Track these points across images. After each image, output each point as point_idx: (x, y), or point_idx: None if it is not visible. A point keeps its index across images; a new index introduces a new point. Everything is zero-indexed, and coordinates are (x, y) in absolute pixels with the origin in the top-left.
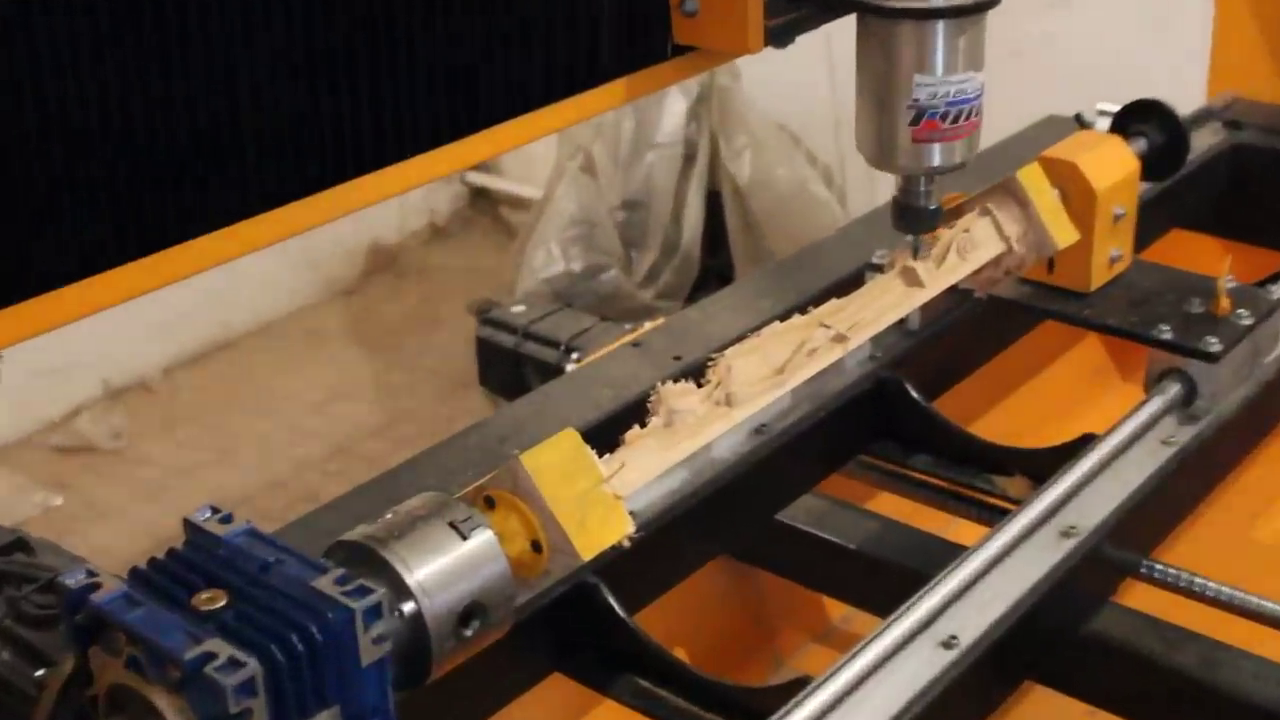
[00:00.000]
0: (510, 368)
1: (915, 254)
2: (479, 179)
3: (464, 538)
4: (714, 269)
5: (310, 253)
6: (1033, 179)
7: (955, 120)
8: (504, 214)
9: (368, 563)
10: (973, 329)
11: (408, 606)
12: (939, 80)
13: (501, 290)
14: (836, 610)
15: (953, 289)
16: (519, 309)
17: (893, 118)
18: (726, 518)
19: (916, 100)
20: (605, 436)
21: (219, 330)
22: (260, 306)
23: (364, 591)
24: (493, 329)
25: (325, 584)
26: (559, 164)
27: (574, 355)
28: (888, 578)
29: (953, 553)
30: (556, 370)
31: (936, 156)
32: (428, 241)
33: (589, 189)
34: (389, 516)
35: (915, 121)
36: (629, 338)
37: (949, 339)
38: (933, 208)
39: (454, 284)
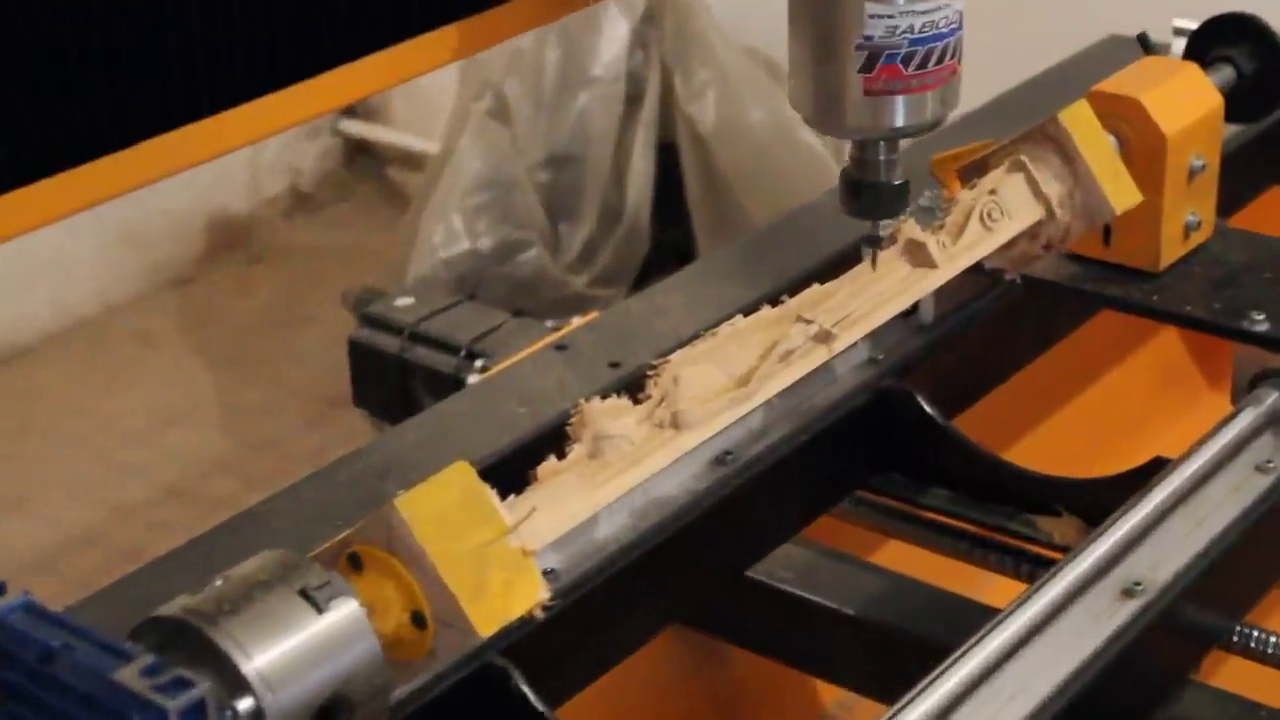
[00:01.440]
0: (394, 380)
1: (927, 223)
2: (356, 128)
3: (319, 610)
4: (668, 245)
5: (132, 229)
6: (1081, 121)
7: (923, 64)
8: (390, 175)
9: (190, 646)
10: (1004, 322)
11: (243, 705)
12: (899, 8)
13: (387, 277)
14: (829, 696)
15: (976, 269)
16: (406, 302)
17: (837, 62)
18: (680, 576)
19: (869, 37)
20: (515, 471)
21: (7, 333)
22: (65, 301)
23: (181, 685)
24: (372, 329)
25: (129, 676)
26: (461, 107)
27: (478, 363)
28: (896, 653)
29: (981, 618)
30: (455, 383)
31: (899, 114)
32: (288, 213)
33: (501, 141)
34: (219, 584)
35: (868, 66)
36: (552, 338)
37: (972, 336)
38: (896, 183)
39: (324, 269)
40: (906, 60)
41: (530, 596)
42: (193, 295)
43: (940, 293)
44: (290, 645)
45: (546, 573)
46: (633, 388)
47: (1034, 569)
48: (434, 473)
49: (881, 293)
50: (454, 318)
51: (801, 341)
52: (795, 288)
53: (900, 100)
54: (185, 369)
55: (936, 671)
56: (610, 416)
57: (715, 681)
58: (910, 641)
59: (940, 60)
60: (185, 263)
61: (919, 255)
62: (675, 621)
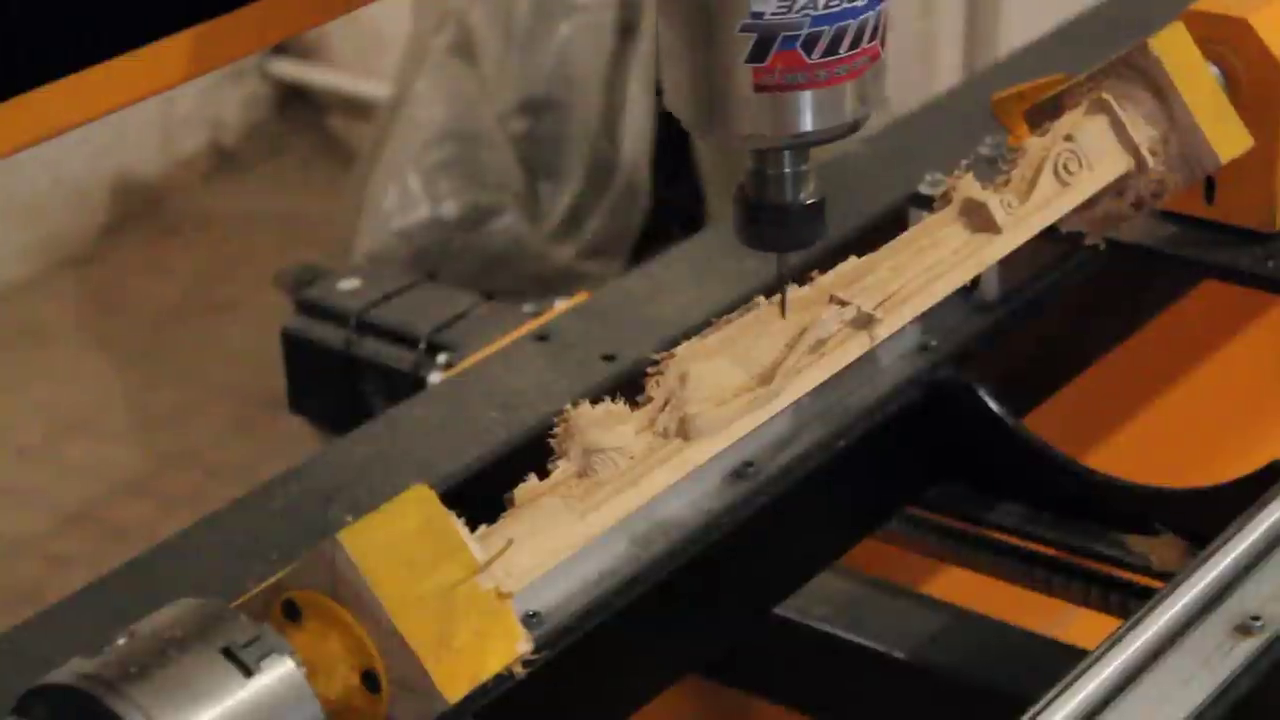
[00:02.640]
0: (339, 380)
1: (989, 178)
2: (288, 69)
3: (248, 672)
4: (672, 208)
5: (16, 199)
6: (1177, 49)
7: (832, 49)
8: (331, 126)
9: (90, 719)
10: (1084, 298)
11: None
12: None
13: (329, 252)
14: None
15: (1050, 233)
16: (353, 284)
17: (719, 49)
18: (693, 616)
19: (758, 15)
20: (488, 494)
21: None
22: None
23: None
24: (312, 317)
25: None
26: (417, 42)
27: (441, 358)
28: (960, 705)
29: (1064, 661)
30: (413, 383)
31: (803, 115)
32: (208, 175)
33: (466, 83)
34: (124, 641)
35: (759, 54)
36: (531, 326)
37: (1046, 316)
38: (808, 203)
39: (252, 244)
40: (809, 45)
41: (508, 650)
42: (93, 277)
43: (1006, 264)
44: (212, 717)
45: (528, 618)
46: (630, 388)
47: (1127, 600)
48: (388, 496)
49: (934, 265)
50: (411, 302)
51: (836, 327)
52: (827, 261)
53: (804, 97)
54: (85, 367)
55: None
56: (603, 425)
57: None
58: (977, 691)
59: (856, 43)
60: (83, 238)
61: (979, 218)
62: (689, 673)
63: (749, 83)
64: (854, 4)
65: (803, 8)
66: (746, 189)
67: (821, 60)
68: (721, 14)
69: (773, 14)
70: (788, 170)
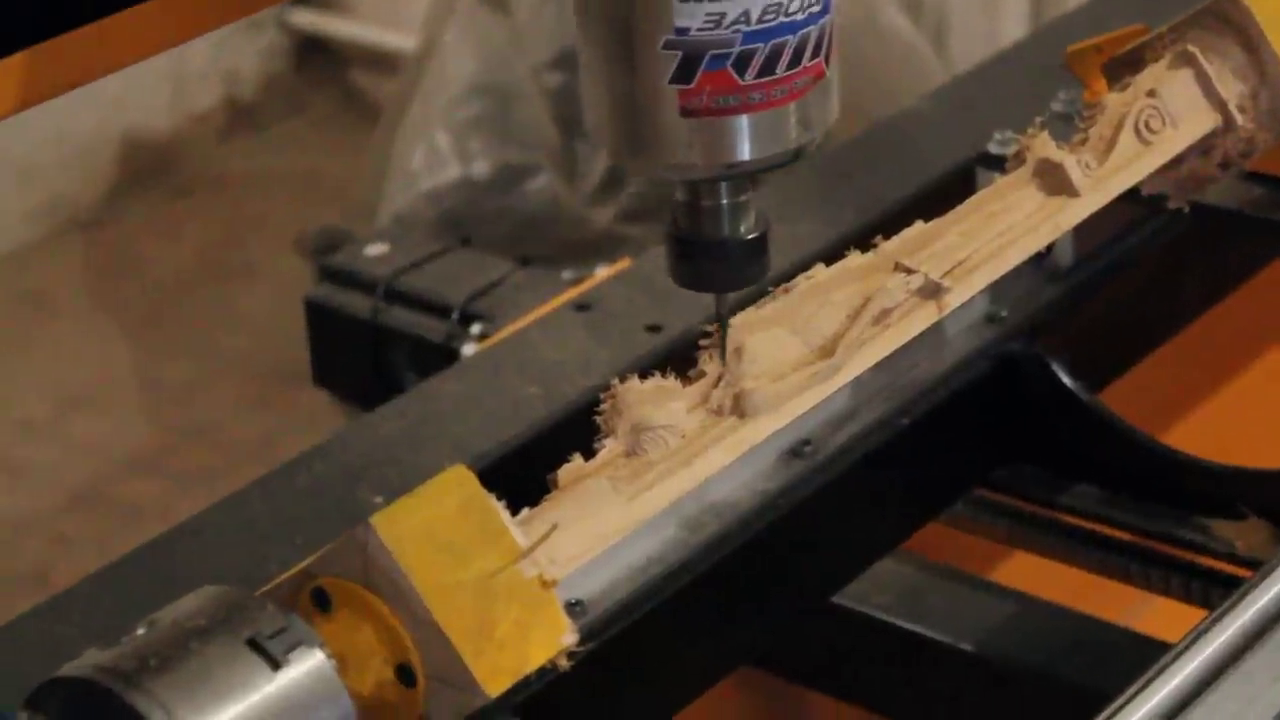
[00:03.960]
0: (366, 352)
1: (1065, 137)
2: (307, 20)
3: (275, 665)
4: None
5: (20, 160)
6: None
7: (768, 68)
8: (354, 81)
9: (106, 715)
10: (1166, 265)
11: None
12: None
13: (353, 215)
14: None
15: (1130, 196)
16: (379, 249)
17: (641, 69)
18: (747, 605)
19: (683, 31)
20: (529, 475)
21: None
22: None
23: None
24: (336, 285)
25: None
26: None
27: (475, 328)
28: (1030, 701)
29: (1144, 654)
30: (445, 355)
31: (737, 143)
32: (224, 133)
33: (498, 35)
34: (142, 632)
35: (684, 75)
36: (571, 294)
37: (1125, 284)
38: (748, 238)
39: (270, 206)
40: (742, 64)
41: (552, 641)
42: (101, 242)
43: (1082, 229)
44: (237, 713)
45: (570, 607)
46: (681, 361)
47: (1209, 589)
48: (420, 477)
49: (1005, 231)
50: (442, 269)
51: (902, 297)
52: (891, 225)
53: (737, 123)
54: (93, 338)
55: None
56: (653, 401)
57: None
58: (1048, 685)
59: (795, 62)
60: (91, 200)
61: (1055, 180)
62: (742, 664)
63: (674, 106)
64: (791, 18)
65: (733, 23)
66: (679, 222)
67: (756, 81)
68: (642, 29)
69: (699, 30)
70: (725, 202)
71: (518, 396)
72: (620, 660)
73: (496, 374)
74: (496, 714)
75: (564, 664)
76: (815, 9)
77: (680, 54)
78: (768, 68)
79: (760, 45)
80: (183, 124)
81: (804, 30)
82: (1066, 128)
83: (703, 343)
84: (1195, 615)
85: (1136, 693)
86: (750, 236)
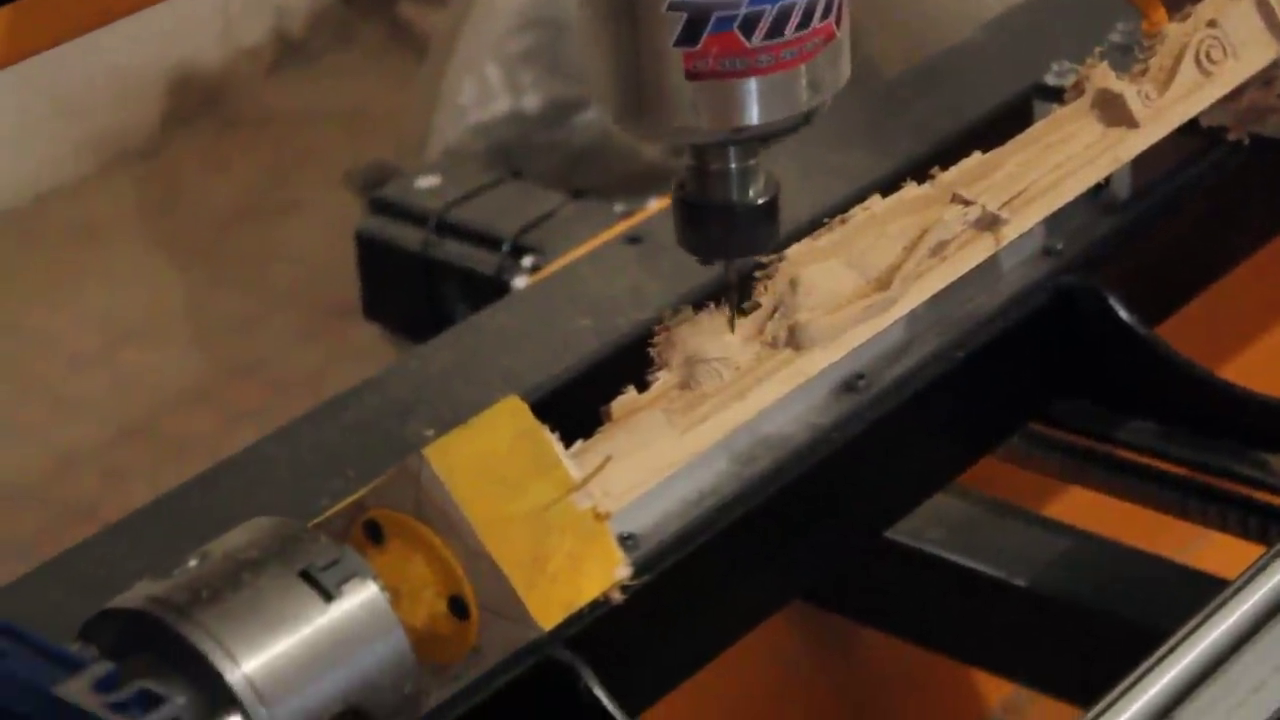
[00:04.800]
0: (417, 285)
1: (1124, 67)
2: None
3: (328, 597)
4: None
5: (68, 93)
6: None
7: (777, 30)
8: (404, 12)
9: (158, 647)
10: (1225, 198)
11: None
12: None
13: (403, 149)
14: (994, 693)
15: (1190, 128)
16: (430, 182)
17: (644, 31)
18: (799, 539)
19: None
20: (582, 407)
21: None
22: None
23: (147, 702)
24: (387, 218)
25: (78, 690)
26: None
27: (526, 261)
28: (1085, 638)
29: (1199, 590)
30: (497, 288)
31: (745, 107)
32: (273, 66)
33: None
34: (194, 564)
35: (690, 37)
36: (623, 226)
37: (1183, 217)
38: (758, 203)
39: (320, 139)
40: (749, 26)
41: (605, 574)
42: (151, 176)
43: (1141, 161)
44: (290, 645)
45: (622, 540)
46: (732, 293)
47: (1267, 525)
48: (472, 410)
49: (1064, 162)
50: (493, 202)
51: (959, 228)
52: (947, 156)
53: (744, 86)
54: (143, 271)
55: (1144, 665)
56: (707, 333)
57: (846, 674)
58: (1103, 621)
59: (805, 23)
60: (140, 134)
61: (1114, 110)
62: (794, 599)
63: (680, 69)
64: None
65: None
66: (686, 186)
67: (764, 44)
68: None
69: None
70: (733, 166)
71: (569, 329)
72: (672, 594)
73: (548, 307)
74: (549, 646)
75: (617, 597)
76: None
77: (685, 15)
78: (776, 29)
79: (768, 6)
80: (232, 57)
81: None
82: (1125, 59)
83: (758, 274)
84: (1253, 551)
85: (1193, 630)
86: (760, 201)
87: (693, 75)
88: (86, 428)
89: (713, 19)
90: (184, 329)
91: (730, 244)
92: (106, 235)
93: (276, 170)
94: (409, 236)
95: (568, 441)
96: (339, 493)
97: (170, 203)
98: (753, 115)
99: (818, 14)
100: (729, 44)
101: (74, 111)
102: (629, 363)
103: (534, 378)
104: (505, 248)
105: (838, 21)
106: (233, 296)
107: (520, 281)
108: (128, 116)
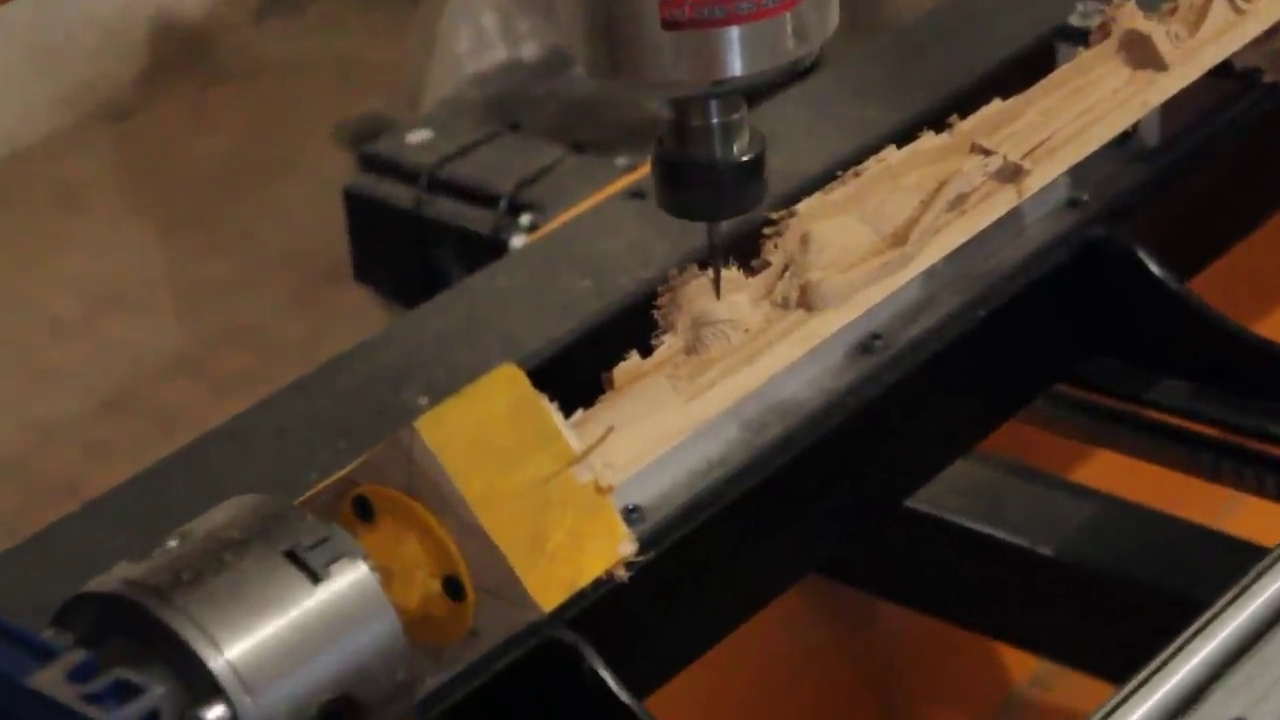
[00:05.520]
0: (409, 245)
1: (1152, 7)
2: None
3: (315, 578)
4: None
5: (45, 44)
6: None
7: None
8: None
9: (136, 633)
10: (1260, 145)
11: (213, 714)
12: None
13: (396, 101)
14: (1021, 668)
15: (1222, 71)
16: (423, 136)
17: None
18: (814, 510)
19: None
20: (582, 374)
21: None
22: None
23: (125, 691)
24: (378, 175)
25: (51, 680)
26: None
27: (525, 218)
28: (1116, 609)
29: (1235, 556)
30: (493, 247)
31: (727, 57)
32: (260, 14)
33: None
34: (174, 544)
35: None
36: (625, 181)
37: (1216, 166)
38: (743, 159)
39: (309, 91)
40: None
41: (608, 550)
42: (132, 132)
43: (1170, 106)
44: (276, 629)
45: (627, 513)
46: (743, 251)
47: None
48: (469, 377)
49: (1089, 109)
50: (489, 157)
51: (980, 180)
52: (966, 104)
53: (724, 35)
54: (124, 234)
55: (1181, 638)
56: (714, 294)
57: (865, 650)
58: (1136, 591)
59: None
60: (121, 88)
61: (1142, 52)
62: (810, 572)
63: (656, 18)
64: None
65: None
66: (665, 144)
67: None
68: None
69: None
70: (715, 121)
71: (570, 290)
72: (681, 569)
73: (547, 267)
74: (550, 627)
75: (622, 574)
76: None
77: None
78: None
79: None
80: (216, 5)
81: None
82: None
83: (767, 230)
84: None
85: (1231, 600)
86: (744, 159)
87: (670, 24)
88: (67, 399)
89: None
90: (168, 294)
91: (714, 204)
92: (85, 197)
93: (265, 126)
94: (400, 195)
95: (568, 410)
96: (329, 466)
97: (153, 161)
98: (735, 66)
99: None
100: None
101: (49, 63)
102: (633, 325)
103: (533, 342)
104: (502, 205)
105: None
106: (220, 260)
107: (518, 240)
108: (107, 68)
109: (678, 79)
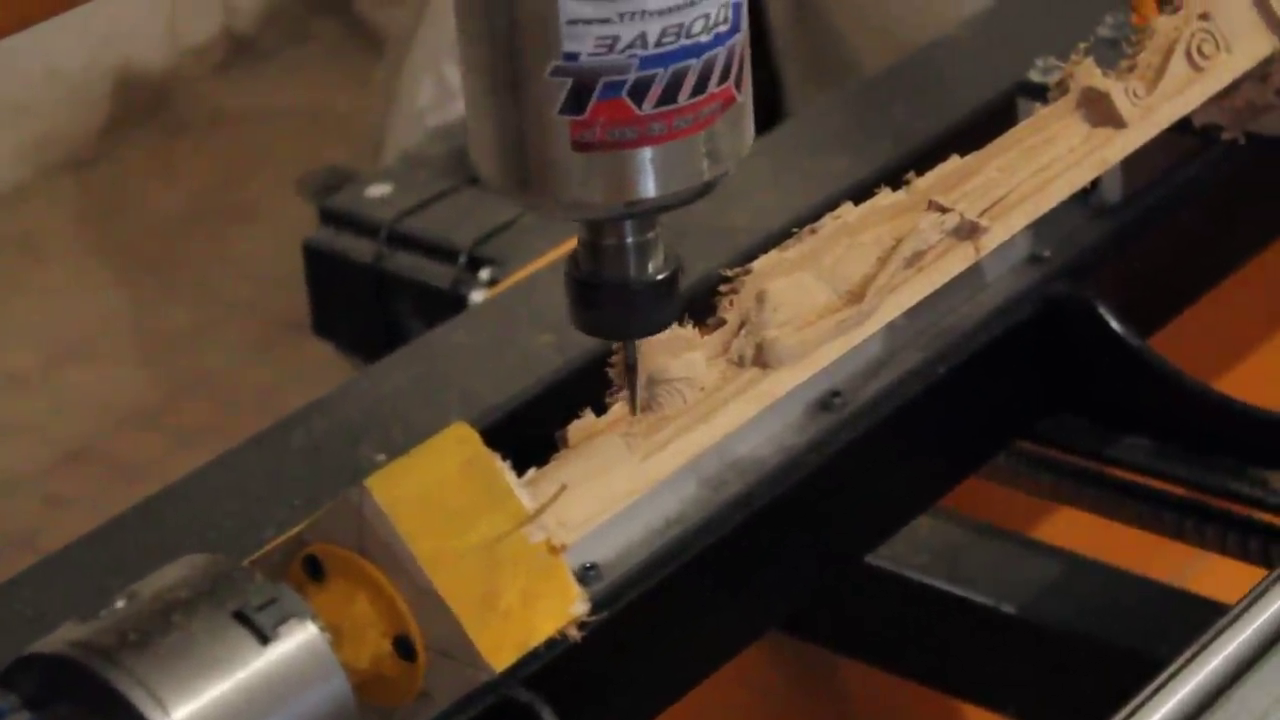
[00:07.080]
0: (369, 299)
1: (1111, 63)
2: None
3: (264, 639)
4: None
5: (9, 92)
6: None
7: (670, 96)
8: (361, 9)
9: (83, 693)
10: (1221, 202)
11: None
12: (618, 5)
13: (358, 153)
14: None
15: (1182, 127)
16: (383, 190)
17: (527, 98)
18: (773, 567)
19: (572, 56)
20: (537, 431)
21: None
22: None
23: None
24: (338, 228)
25: None
26: None
27: (484, 273)
28: (1078, 668)
29: (1197, 615)
30: (453, 302)
31: (639, 179)
32: (221, 66)
33: None
34: (120, 605)
35: (575, 105)
36: None
37: (1177, 223)
38: (658, 278)
39: (270, 144)
40: (639, 92)
41: (561, 610)
42: (94, 182)
43: (1131, 162)
44: (223, 691)
45: (584, 571)
46: (699, 309)
47: (1269, 546)
48: (424, 434)
49: (1048, 165)
50: (449, 210)
51: (936, 237)
52: (925, 160)
53: (636, 157)
54: (85, 284)
55: (1141, 695)
56: (669, 351)
57: (827, 708)
58: (1097, 650)
59: (701, 88)
60: (83, 138)
61: (1100, 110)
62: (769, 629)
63: (566, 139)
64: (695, 40)
65: (628, 47)
66: (579, 263)
67: (656, 111)
68: (527, 54)
69: (590, 54)
70: (629, 241)
71: (530, 346)
72: (639, 627)
73: (507, 322)
74: (506, 686)
75: (574, 635)
76: (723, 29)
77: (570, 81)
78: (669, 96)
79: (660, 70)
80: (179, 57)
81: (710, 53)
82: (1113, 53)
83: (722, 288)
84: (1254, 574)
85: (1191, 658)
86: (659, 278)
87: (580, 146)
88: (25, 451)
89: (600, 85)
90: (128, 345)
91: (628, 324)
92: (45, 246)
93: (227, 175)
94: (359, 248)
95: (524, 468)
96: (284, 523)
97: (113, 210)
98: (648, 188)
99: (714, 78)
100: (618, 112)
101: (10, 113)
102: (594, 382)
103: (492, 398)
104: (461, 259)
105: (738, 85)
106: (180, 311)
107: (477, 295)
108: (69, 119)
109: (589, 200)
